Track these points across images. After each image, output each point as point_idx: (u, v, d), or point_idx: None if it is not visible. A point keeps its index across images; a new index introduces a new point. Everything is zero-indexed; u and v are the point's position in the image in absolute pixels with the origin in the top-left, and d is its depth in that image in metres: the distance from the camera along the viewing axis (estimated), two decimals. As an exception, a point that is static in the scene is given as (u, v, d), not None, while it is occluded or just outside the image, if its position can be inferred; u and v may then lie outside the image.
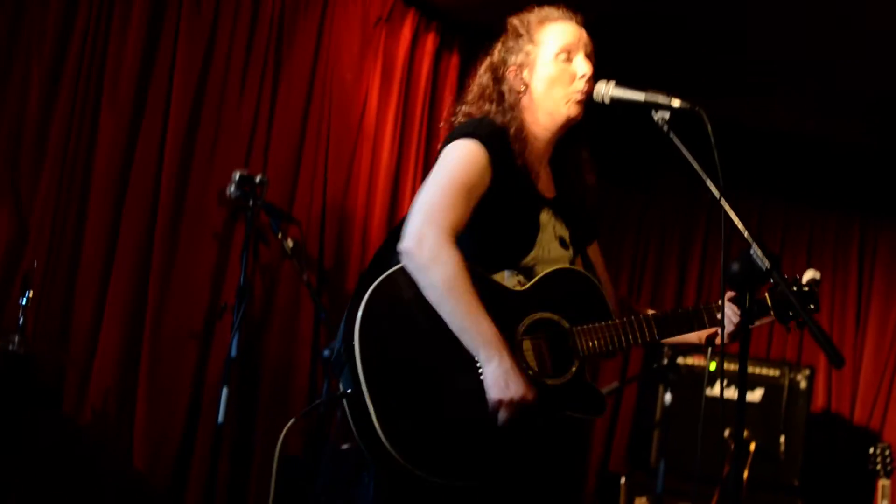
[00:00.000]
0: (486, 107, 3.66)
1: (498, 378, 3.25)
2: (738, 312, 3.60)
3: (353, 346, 3.18)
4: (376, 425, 3.13)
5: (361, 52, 6.76)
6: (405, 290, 3.32)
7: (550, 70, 3.64)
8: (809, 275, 5.43)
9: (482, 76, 3.75)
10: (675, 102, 3.45)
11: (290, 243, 5.71)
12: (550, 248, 3.63)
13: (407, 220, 3.39)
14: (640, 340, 3.63)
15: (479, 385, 3.28)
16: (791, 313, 3.74)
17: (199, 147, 5.85)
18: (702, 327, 3.74)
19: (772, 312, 3.66)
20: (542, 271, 3.56)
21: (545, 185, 3.72)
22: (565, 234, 3.70)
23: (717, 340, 3.72)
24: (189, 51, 5.78)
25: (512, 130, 3.57)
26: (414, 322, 3.31)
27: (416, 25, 7.10)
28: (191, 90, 5.80)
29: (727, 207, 3.24)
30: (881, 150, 8.72)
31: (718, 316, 3.71)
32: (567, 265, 3.66)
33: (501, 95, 3.66)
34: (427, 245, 3.30)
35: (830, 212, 9.32)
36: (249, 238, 5.63)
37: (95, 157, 5.47)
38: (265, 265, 6.11)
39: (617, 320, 3.62)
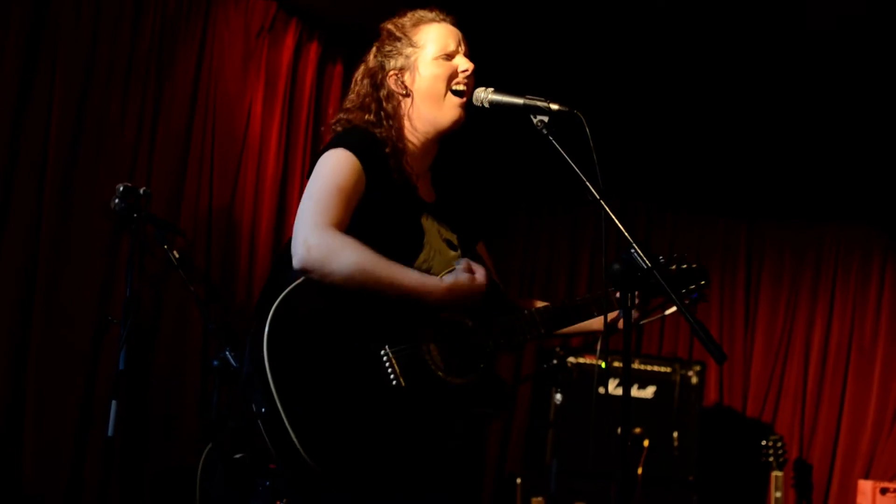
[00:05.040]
0: (366, 117, 3.66)
1: (458, 299, 3.43)
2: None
3: (263, 366, 3.16)
4: (295, 441, 3.12)
5: (244, 63, 6.75)
6: (306, 305, 3.31)
7: (433, 70, 3.66)
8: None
9: (360, 83, 3.75)
10: (554, 106, 3.47)
11: (176, 254, 5.66)
12: (440, 250, 3.65)
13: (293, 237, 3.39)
14: (543, 332, 3.69)
15: (390, 389, 3.30)
16: (684, 290, 3.85)
17: (82, 160, 5.78)
18: (602, 312, 3.80)
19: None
20: (438, 274, 3.59)
21: (424, 191, 3.73)
22: (452, 237, 3.73)
23: (620, 325, 3.78)
24: (70, 63, 5.70)
25: (389, 145, 3.58)
26: (319, 336, 3.30)
27: (298, 35, 7.10)
28: (72, 103, 5.73)
29: (606, 208, 3.28)
30: (759, 149, 8.90)
31: (617, 294, 3.76)
32: None
33: (380, 103, 3.67)
34: (316, 247, 3.29)
35: (718, 215, 9.48)
36: (135, 250, 5.58)
37: (-25, 173, 5.38)
38: (152, 277, 6.06)
39: (519, 314, 3.67)
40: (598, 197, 3.30)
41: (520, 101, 3.54)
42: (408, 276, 3.38)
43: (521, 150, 7.59)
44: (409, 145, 3.68)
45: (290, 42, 7.03)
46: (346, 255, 3.30)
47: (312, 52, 7.23)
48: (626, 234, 3.22)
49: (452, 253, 3.70)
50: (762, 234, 9.48)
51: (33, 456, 5.51)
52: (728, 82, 7.68)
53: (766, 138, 8.80)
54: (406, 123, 3.69)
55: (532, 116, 3.50)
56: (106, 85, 5.92)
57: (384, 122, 3.63)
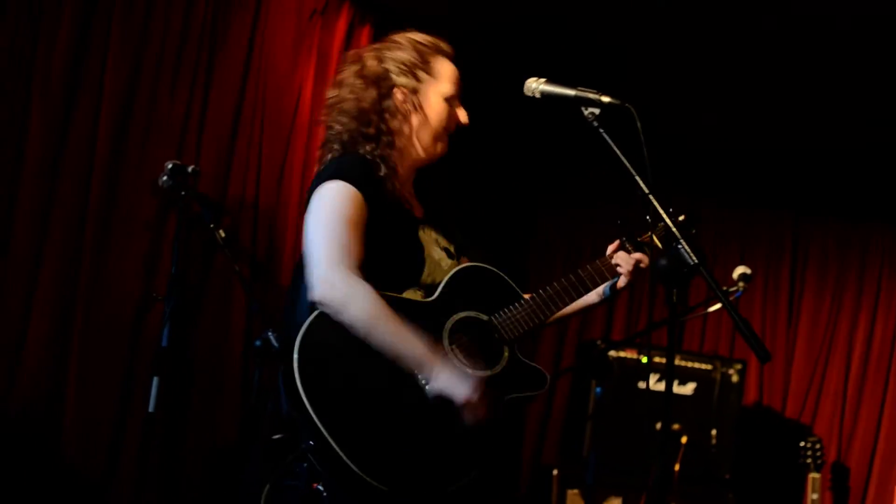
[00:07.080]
0: (363, 129, 3.68)
1: (447, 388, 3.32)
2: (631, 261, 3.81)
3: (301, 402, 3.20)
4: (355, 469, 3.16)
5: (296, 45, 6.75)
6: (330, 332, 3.34)
7: (444, 108, 3.75)
8: (740, 270, 5.52)
9: (362, 89, 3.74)
10: (605, 98, 3.47)
11: (222, 234, 5.69)
12: (440, 261, 3.72)
13: (307, 266, 3.42)
14: (555, 309, 3.74)
15: (427, 398, 3.34)
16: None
17: (132, 137, 5.80)
18: (604, 280, 3.86)
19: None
20: (443, 279, 3.63)
21: (414, 206, 3.80)
22: (449, 246, 3.81)
23: (620, 283, 3.81)
24: (122, 40, 5.72)
25: (383, 168, 3.61)
26: (348, 360, 3.34)
27: (351, 18, 7.09)
28: (123, 80, 5.75)
29: (655, 203, 3.27)
30: (805, 148, 8.86)
31: (612, 261, 3.84)
32: (463, 266, 3.73)
33: (381, 116, 3.69)
34: (338, 288, 3.32)
35: (763, 209, 9.43)
36: (181, 228, 5.61)
37: (26, 147, 5.37)
38: (197, 255, 6.08)
39: (529, 297, 3.72)
40: (647, 191, 3.30)
41: (571, 92, 3.54)
42: (412, 345, 3.35)
43: (561, 156, 7.56)
44: (404, 162, 3.75)
45: (342, 25, 7.02)
46: (364, 305, 3.32)
47: (364, 36, 7.21)
48: (673, 229, 3.21)
49: (451, 261, 3.78)
50: (808, 232, 9.43)
51: (74, 429, 5.55)
52: (767, 81, 7.65)
53: (811, 138, 8.72)
54: (404, 142, 3.73)
55: (583, 108, 3.50)
56: (157, 63, 5.93)
57: (382, 139, 3.66)
